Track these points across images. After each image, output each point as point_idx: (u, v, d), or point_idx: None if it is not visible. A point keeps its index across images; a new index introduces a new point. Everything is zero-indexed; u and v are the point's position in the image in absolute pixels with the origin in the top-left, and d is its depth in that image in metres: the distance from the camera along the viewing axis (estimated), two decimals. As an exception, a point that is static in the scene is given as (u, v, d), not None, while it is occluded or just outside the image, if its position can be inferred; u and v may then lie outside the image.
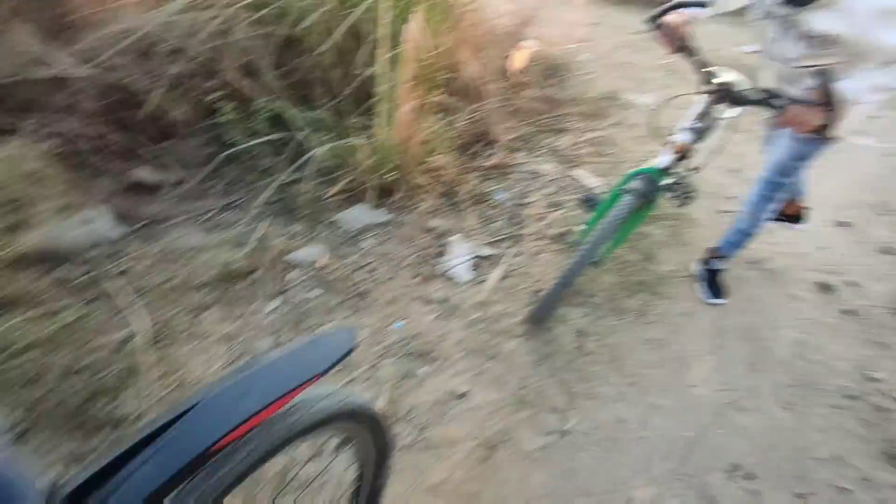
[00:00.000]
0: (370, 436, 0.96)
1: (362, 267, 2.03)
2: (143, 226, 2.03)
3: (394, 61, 2.14)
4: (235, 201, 2.24)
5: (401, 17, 2.19)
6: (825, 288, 2.29)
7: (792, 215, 2.28)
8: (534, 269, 2.12)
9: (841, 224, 2.68)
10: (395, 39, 2.13)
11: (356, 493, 1.08)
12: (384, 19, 2.10)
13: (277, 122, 2.25)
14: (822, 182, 2.58)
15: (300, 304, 1.85)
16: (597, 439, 1.59)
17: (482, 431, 1.55)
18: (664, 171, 1.73)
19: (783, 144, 1.77)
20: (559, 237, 2.28)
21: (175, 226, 2.08)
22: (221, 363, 1.61)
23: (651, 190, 1.72)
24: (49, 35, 2.18)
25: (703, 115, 1.69)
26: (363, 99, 2.33)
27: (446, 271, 2.06)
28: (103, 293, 1.71)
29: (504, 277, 2.08)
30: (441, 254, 2.13)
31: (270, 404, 0.68)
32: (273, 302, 1.86)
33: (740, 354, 1.94)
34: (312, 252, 2.02)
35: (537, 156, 2.71)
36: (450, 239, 2.18)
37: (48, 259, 1.75)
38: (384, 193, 2.28)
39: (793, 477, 1.56)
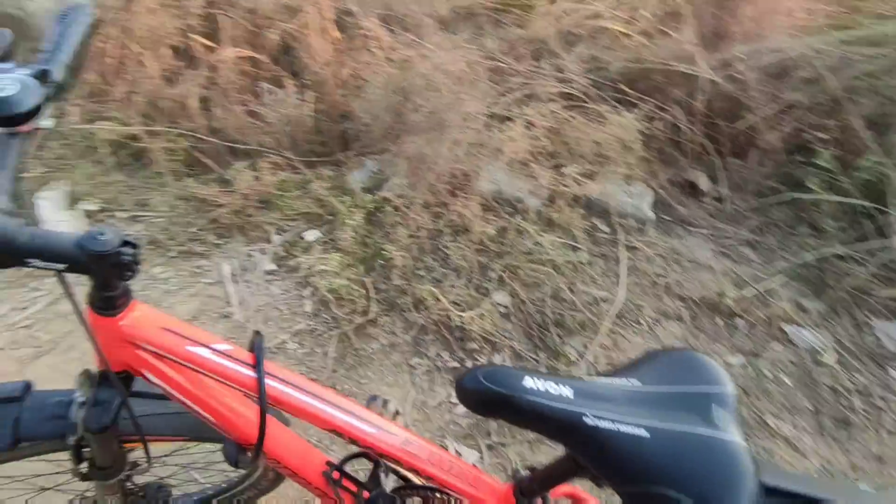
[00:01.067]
0: None
1: (862, 393, 1.58)
2: (672, 220, 2.15)
3: None
4: (764, 243, 2.07)
5: None
6: None
7: None
8: None
9: None
10: None
11: None
12: None
13: (873, 189, 1.89)
14: None
15: (758, 378, 1.62)
16: None
17: None
18: None
19: None
20: None
21: (695, 234, 2.11)
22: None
23: None
24: (706, 39, 2.43)
25: None
26: None
27: None
28: (611, 255, 1.94)
29: None
30: None
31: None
32: (735, 357, 1.70)
33: None
34: (818, 338, 1.69)
35: None
36: None
37: (592, 208, 2.09)
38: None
39: None
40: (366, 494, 0.76)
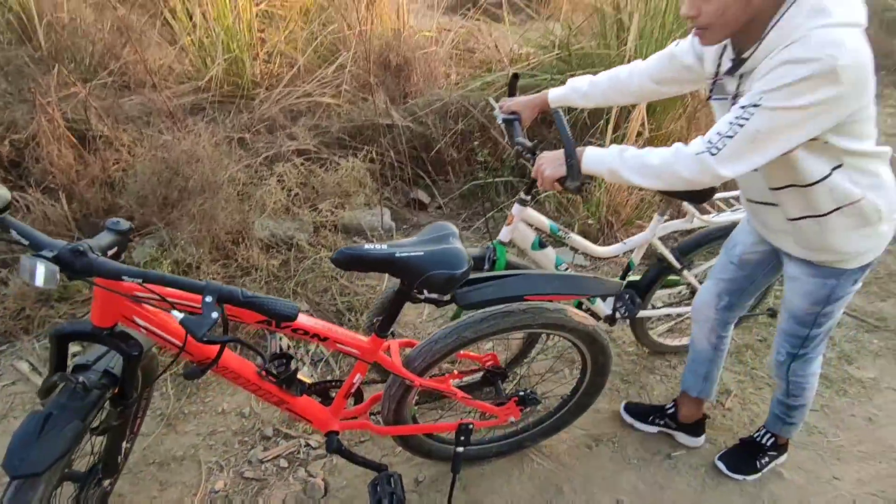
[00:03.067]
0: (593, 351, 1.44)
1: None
2: (410, 226, 2.87)
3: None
4: (475, 226, 2.95)
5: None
6: None
7: (688, 424, 1.75)
8: None
9: None
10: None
11: (573, 392, 1.60)
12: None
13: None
14: None
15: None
16: None
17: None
18: (501, 244, 1.64)
19: (800, 287, 1.33)
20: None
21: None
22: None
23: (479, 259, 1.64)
24: (394, 99, 3.32)
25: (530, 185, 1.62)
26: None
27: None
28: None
29: None
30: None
31: (552, 294, 1.25)
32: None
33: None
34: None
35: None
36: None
37: (349, 230, 2.68)
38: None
39: None
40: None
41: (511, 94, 1.69)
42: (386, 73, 3.63)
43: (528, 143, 1.48)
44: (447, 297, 1.20)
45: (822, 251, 1.23)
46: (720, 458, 1.67)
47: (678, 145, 1.09)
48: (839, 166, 1.09)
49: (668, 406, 1.75)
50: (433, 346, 1.29)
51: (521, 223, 1.64)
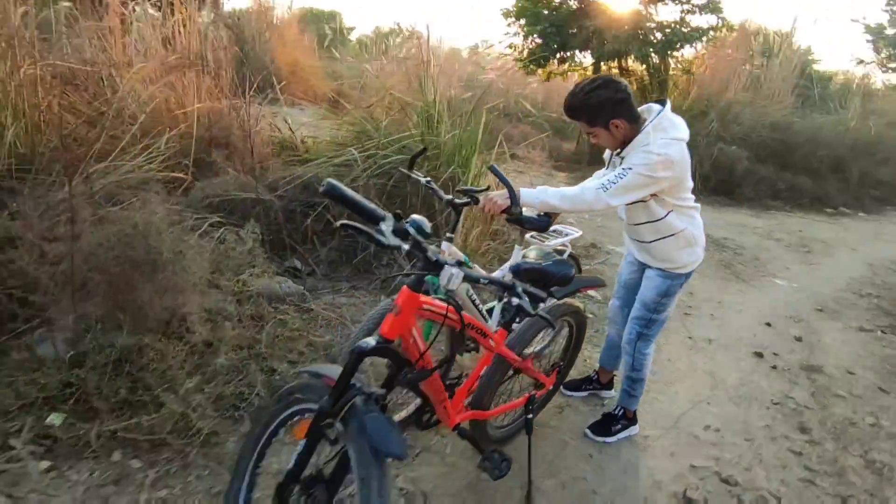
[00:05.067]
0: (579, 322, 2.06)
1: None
2: (307, 289, 3.04)
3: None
4: (357, 284, 3.30)
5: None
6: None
7: (605, 383, 2.53)
8: None
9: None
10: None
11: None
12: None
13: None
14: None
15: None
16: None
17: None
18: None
19: (651, 283, 2.07)
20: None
21: (324, 292, 3.09)
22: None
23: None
24: (247, 173, 3.42)
25: (453, 225, 2.23)
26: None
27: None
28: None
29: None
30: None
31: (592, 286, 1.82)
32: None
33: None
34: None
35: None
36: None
37: (267, 297, 2.71)
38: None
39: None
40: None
41: (410, 167, 2.19)
42: (214, 149, 3.70)
43: (475, 189, 2.13)
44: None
45: (665, 261, 2.01)
46: (588, 427, 2.25)
47: (584, 184, 1.89)
48: (671, 211, 2.02)
49: (592, 375, 2.57)
50: (524, 334, 1.79)
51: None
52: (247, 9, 9.48)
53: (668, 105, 1.86)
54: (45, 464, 1.62)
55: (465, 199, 2.14)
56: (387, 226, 1.24)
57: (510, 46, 8.49)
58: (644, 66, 7.73)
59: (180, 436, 1.80)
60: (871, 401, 2.81)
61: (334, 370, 1.31)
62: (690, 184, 1.97)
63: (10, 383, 1.81)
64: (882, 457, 2.32)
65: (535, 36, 8.14)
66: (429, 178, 2.13)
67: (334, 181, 1.22)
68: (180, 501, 1.62)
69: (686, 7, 7.50)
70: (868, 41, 13.77)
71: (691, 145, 1.89)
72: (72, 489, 1.58)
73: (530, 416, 1.90)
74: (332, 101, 5.31)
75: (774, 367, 3.04)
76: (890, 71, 13.46)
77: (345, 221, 1.26)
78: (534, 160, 7.17)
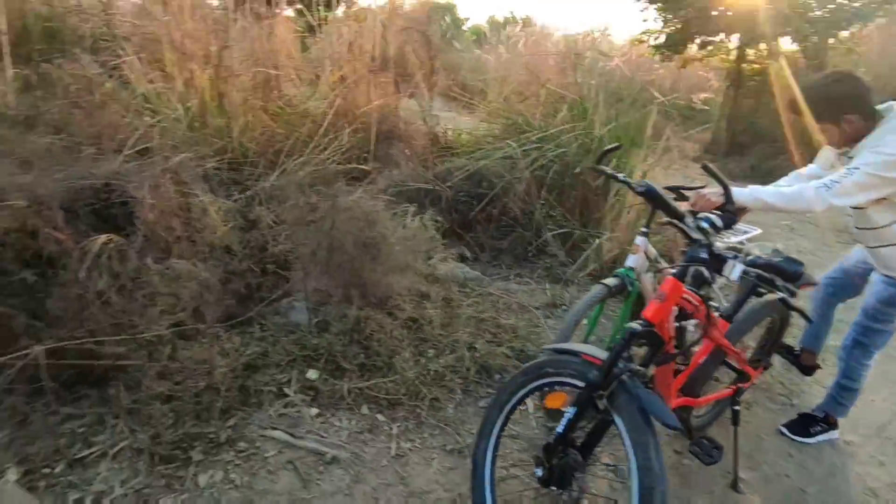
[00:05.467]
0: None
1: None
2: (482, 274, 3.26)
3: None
4: (520, 272, 3.47)
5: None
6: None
7: (807, 366, 2.44)
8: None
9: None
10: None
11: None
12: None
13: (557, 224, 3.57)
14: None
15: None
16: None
17: None
18: (631, 269, 2.06)
19: (874, 288, 1.97)
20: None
21: (495, 278, 3.29)
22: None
23: (619, 285, 2.04)
24: (420, 165, 3.71)
25: (649, 220, 2.13)
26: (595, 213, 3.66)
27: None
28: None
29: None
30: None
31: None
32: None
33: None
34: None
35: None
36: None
37: (441, 280, 2.96)
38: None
39: None
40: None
41: (599, 161, 2.21)
42: (385, 143, 4.03)
43: (686, 186, 2.08)
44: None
45: (891, 269, 1.90)
46: (784, 425, 2.23)
47: (812, 183, 1.79)
48: None
49: (795, 350, 2.44)
50: (741, 326, 1.84)
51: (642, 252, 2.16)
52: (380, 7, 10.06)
53: None
54: (313, 410, 1.96)
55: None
56: (691, 221, 1.37)
57: (645, 32, 8.20)
58: (801, 46, 7.11)
59: (411, 398, 2.06)
60: None
61: (590, 349, 1.46)
62: None
63: (275, 342, 2.17)
64: None
65: (673, 20, 7.78)
66: (623, 174, 2.16)
67: (650, 183, 1.46)
68: (422, 453, 1.88)
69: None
70: None
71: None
72: (337, 433, 1.89)
73: (737, 407, 1.94)
74: (467, 94, 5.52)
75: None
76: None
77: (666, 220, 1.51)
78: (686, 151, 6.89)
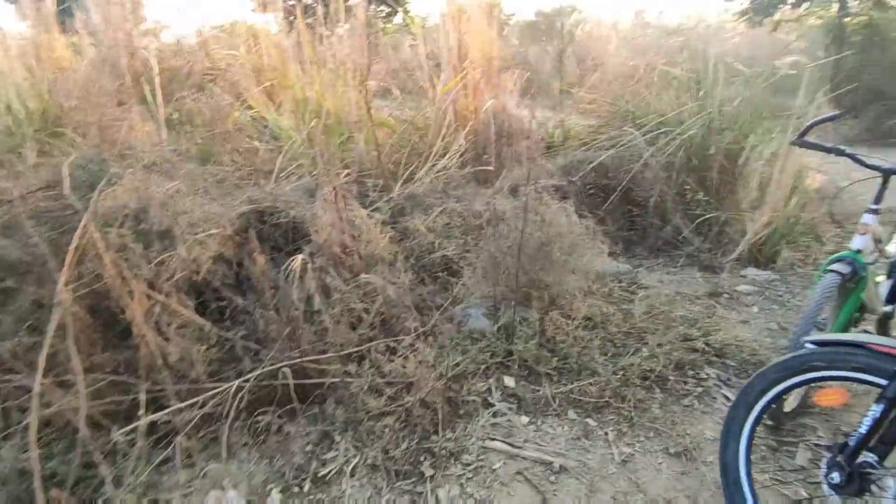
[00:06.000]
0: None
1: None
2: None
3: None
4: (664, 262, 3.31)
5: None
6: None
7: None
8: None
9: None
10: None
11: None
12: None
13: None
14: None
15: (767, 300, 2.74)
16: None
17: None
18: (860, 252, 1.84)
19: None
20: None
21: (641, 270, 3.15)
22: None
23: (852, 271, 1.82)
24: (532, 160, 3.63)
25: (880, 196, 1.86)
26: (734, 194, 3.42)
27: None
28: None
29: None
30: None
31: None
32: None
33: None
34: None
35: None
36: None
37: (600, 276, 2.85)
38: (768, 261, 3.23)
39: None
40: None
41: (803, 134, 1.96)
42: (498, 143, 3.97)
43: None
44: None
45: None
46: None
47: None
48: None
49: None
50: None
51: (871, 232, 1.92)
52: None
53: None
54: (524, 418, 1.91)
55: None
56: None
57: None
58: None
59: (617, 400, 1.98)
60: None
61: (880, 339, 1.32)
62: None
63: (464, 351, 2.15)
64: None
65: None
66: (841, 147, 1.91)
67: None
68: (645, 457, 1.79)
69: None
70: None
71: None
72: (554, 440, 1.83)
73: None
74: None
75: None
76: None
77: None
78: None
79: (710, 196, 3.45)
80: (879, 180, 1.86)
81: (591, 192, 3.60)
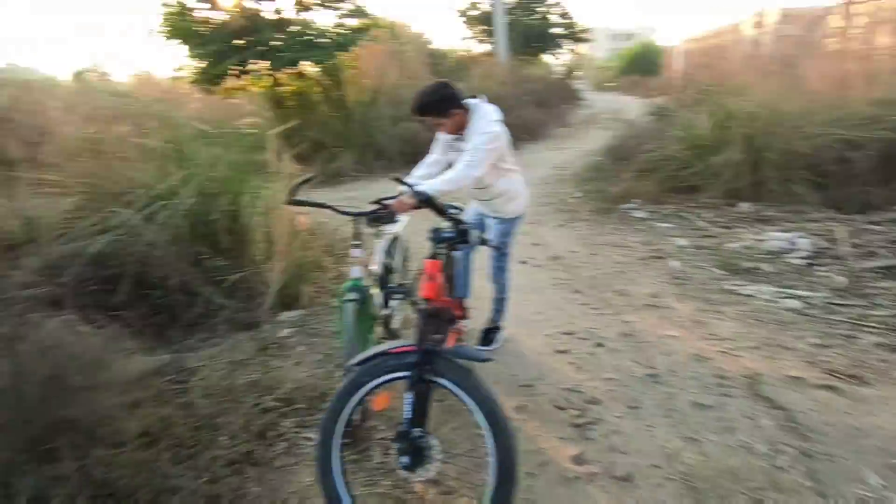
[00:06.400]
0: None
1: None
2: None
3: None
4: (209, 335, 3.18)
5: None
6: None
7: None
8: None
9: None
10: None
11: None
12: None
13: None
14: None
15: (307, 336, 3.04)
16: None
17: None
18: (360, 279, 2.25)
19: (493, 229, 2.67)
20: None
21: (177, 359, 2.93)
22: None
23: (362, 295, 2.22)
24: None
25: (358, 234, 2.29)
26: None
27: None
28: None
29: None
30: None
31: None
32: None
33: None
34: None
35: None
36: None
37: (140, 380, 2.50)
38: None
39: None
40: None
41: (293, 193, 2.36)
42: None
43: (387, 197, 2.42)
44: None
45: (501, 212, 2.61)
46: (478, 344, 2.92)
47: (458, 166, 2.40)
48: (502, 176, 2.51)
49: None
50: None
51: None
52: None
53: (485, 98, 2.49)
54: None
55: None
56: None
57: (179, 68, 8.13)
58: (320, 67, 8.50)
59: (212, 506, 1.78)
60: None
61: (393, 343, 1.67)
62: (511, 152, 2.56)
63: None
64: (621, 288, 3.78)
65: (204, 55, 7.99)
66: (323, 202, 2.29)
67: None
68: None
69: (339, 12, 8.54)
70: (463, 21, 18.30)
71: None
72: None
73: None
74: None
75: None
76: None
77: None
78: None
79: (228, 258, 3.53)
80: (352, 223, 2.33)
81: (95, 288, 3.07)
